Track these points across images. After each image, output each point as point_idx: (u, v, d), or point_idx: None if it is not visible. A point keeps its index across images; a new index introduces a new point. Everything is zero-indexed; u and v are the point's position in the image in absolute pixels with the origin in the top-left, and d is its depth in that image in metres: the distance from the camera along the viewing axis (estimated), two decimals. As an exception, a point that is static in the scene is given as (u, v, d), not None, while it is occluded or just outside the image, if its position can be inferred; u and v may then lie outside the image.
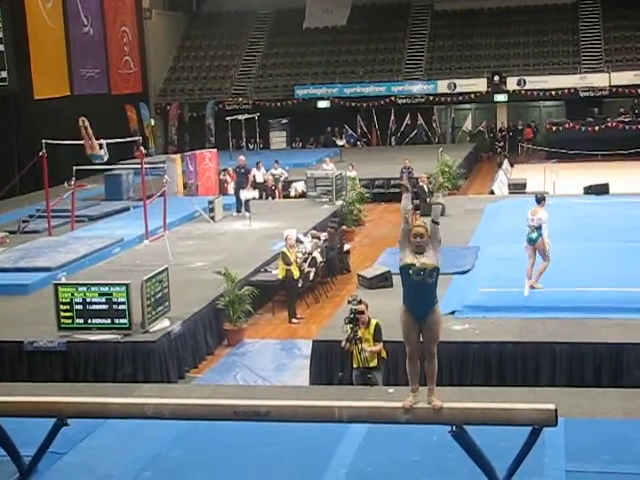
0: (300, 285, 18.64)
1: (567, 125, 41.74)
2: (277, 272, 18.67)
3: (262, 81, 48.28)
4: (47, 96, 35.46)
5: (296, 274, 18.35)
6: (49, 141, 23.95)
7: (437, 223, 7.81)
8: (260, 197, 29.06)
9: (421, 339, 7.83)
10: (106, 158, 21.93)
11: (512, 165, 36.99)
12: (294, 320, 18.03)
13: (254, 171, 30.12)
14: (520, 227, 16.52)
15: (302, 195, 30.37)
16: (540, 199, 15.90)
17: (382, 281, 16.94)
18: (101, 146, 21.74)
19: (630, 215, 22.63)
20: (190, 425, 9.89)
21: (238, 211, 26.32)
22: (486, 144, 45.15)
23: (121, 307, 14.53)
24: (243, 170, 27.20)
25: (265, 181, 30.41)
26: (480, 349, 13.55)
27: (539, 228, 15.46)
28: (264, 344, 17.01)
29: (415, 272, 7.60)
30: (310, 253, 19.77)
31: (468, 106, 47.13)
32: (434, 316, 7.74)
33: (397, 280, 16.98)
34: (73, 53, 38.75)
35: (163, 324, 15.10)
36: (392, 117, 45.90)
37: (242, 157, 28.30)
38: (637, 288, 15.43)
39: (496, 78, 44.49)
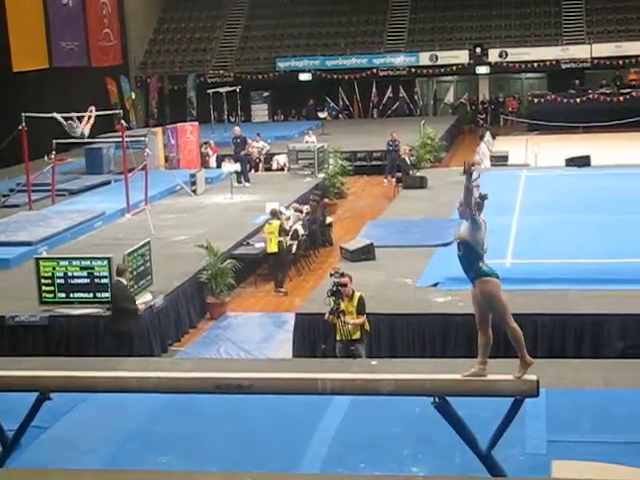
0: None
1: (549, 97, 41.74)
2: (265, 245, 18.60)
3: (243, 53, 48.02)
4: (26, 69, 35.14)
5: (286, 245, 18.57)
6: (29, 114, 23.76)
7: (484, 198, 7.86)
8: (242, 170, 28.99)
9: None
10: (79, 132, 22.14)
11: (494, 137, 37.00)
12: (282, 289, 18.07)
13: (253, 143, 30.22)
14: (502, 199, 16.56)
15: (284, 168, 30.31)
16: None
17: (365, 254, 16.96)
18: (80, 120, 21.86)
19: (611, 187, 22.71)
20: (173, 398, 9.89)
21: (239, 182, 26.30)
22: (468, 116, 45.15)
23: (103, 281, 14.50)
24: (239, 140, 27.22)
25: (248, 154, 30.32)
26: (463, 321, 13.57)
27: None
28: (247, 317, 17.03)
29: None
30: (291, 226, 19.78)
31: (450, 78, 47.04)
32: (477, 290, 7.71)
33: (379, 253, 17.13)
34: (52, 25, 38.36)
35: (145, 298, 15.07)
36: (374, 89, 45.78)
37: (237, 128, 28.47)
38: (618, 259, 15.52)
39: (478, 50, 44.39)
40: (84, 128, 23.02)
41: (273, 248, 18.40)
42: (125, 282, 14.21)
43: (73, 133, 22.78)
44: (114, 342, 14.34)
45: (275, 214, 18.91)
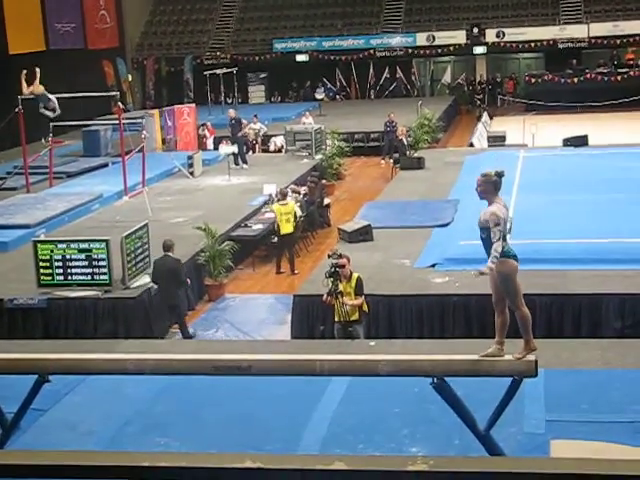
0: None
1: (546, 77, 41.65)
2: (273, 227, 18.49)
3: (240, 35, 47.87)
4: (22, 51, 35.02)
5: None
6: (25, 97, 23.68)
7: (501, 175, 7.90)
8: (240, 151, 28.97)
9: None
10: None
11: (491, 117, 36.97)
12: (296, 271, 18.21)
13: (250, 125, 30.19)
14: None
15: (281, 149, 30.27)
16: None
17: (362, 235, 16.97)
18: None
19: (608, 166, 22.68)
20: (172, 380, 9.92)
21: (236, 164, 26.27)
22: (465, 97, 45.06)
23: (101, 263, 14.51)
24: (234, 121, 27.19)
25: (245, 135, 30.29)
26: (460, 301, 13.61)
27: None
28: (245, 299, 17.05)
29: None
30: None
31: (447, 59, 46.91)
32: (495, 270, 7.61)
33: (377, 234, 17.13)
34: (48, 7, 38.24)
35: (144, 280, 15.07)
36: (371, 70, 45.66)
37: (231, 110, 28.52)
38: (616, 239, 15.51)
39: (475, 30, 44.25)
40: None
41: (289, 229, 18.36)
42: (172, 256, 14.57)
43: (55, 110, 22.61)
44: (112, 324, 14.38)
45: (285, 195, 18.92)
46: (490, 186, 7.81)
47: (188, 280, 15.04)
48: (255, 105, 43.47)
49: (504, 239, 7.65)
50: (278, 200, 18.99)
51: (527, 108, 39.89)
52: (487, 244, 7.65)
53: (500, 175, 7.83)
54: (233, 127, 27.15)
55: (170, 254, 14.61)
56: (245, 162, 26.65)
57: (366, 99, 45.47)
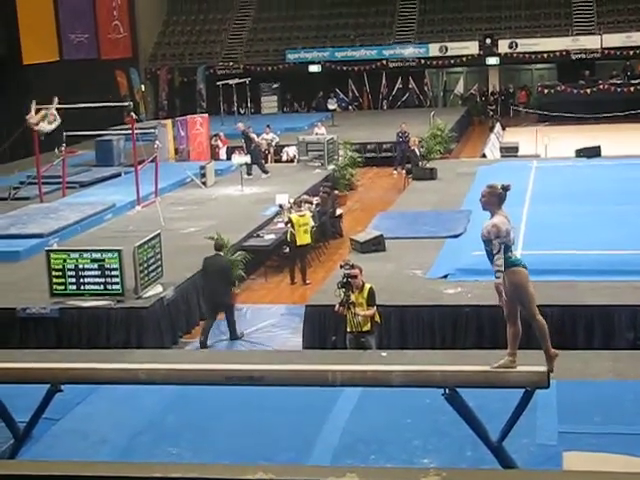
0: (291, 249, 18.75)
1: (559, 88, 41.61)
2: (300, 237, 18.43)
3: (253, 45, 47.99)
4: (36, 61, 35.20)
5: None
6: (39, 107, 23.79)
7: (507, 189, 7.82)
8: (252, 162, 28.99)
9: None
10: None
11: (504, 128, 36.95)
12: (308, 281, 18.25)
13: (263, 135, 30.36)
14: (513, 190, 16.49)
15: (294, 160, 30.30)
16: None
17: (375, 245, 16.96)
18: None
19: (621, 178, 22.63)
20: (184, 390, 9.92)
21: (249, 174, 26.36)
22: (478, 107, 45.04)
23: (114, 273, 14.53)
24: (244, 135, 27.43)
25: (257, 145, 30.33)
26: (472, 312, 13.58)
27: None
28: (257, 309, 17.03)
29: None
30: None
31: (460, 69, 46.94)
32: (506, 280, 7.56)
33: (389, 244, 17.12)
34: (62, 18, 38.46)
35: (156, 290, 15.09)
36: (384, 81, 45.74)
37: (240, 123, 28.74)
38: (628, 251, 15.47)
39: (488, 41, 44.31)
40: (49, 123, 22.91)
41: (307, 240, 18.39)
42: (223, 256, 15.39)
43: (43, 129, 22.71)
44: (124, 334, 14.40)
45: (300, 204, 18.99)
46: (494, 198, 7.78)
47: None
48: (267, 115, 43.55)
49: (509, 250, 7.63)
50: (293, 210, 19.02)
51: (540, 119, 39.85)
52: (491, 257, 7.66)
53: (506, 189, 7.81)
54: (246, 139, 27.31)
55: (221, 254, 15.34)
56: (265, 172, 26.74)
57: (378, 110, 45.56)
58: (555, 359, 7.65)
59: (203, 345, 14.54)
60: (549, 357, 7.64)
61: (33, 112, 23.01)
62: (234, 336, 15.02)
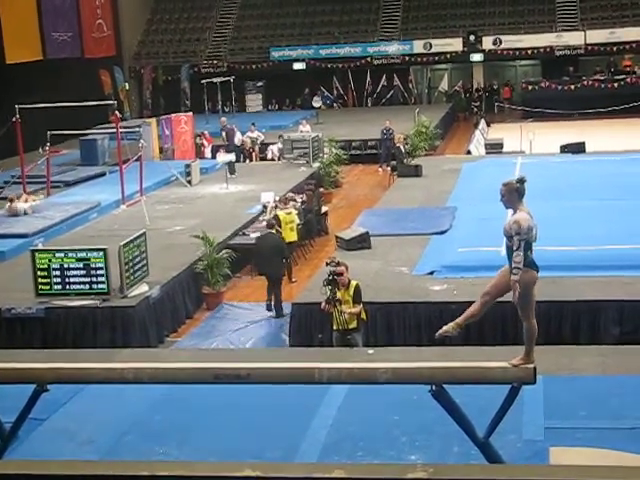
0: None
1: (543, 84, 41.73)
2: (286, 235, 18.39)
3: (237, 43, 47.92)
4: (19, 60, 35.05)
5: None
6: (22, 106, 23.72)
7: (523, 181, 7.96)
8: (237, 160, 28.96)
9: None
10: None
11: (489, 125, 37.00)
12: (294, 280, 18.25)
13: (248, 133, 30.46)
14: (498, 187, 16.51)
15: (279, 158, 30.27)
16: None
17: (360, 242, 16.96)
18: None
19: (606, 173, 22.70)
20: (171, 389, 9.91)
21: (231, 173, 26.25)
22: (462, 104, 45.07)
23: (99, 272, 14.49)
24: (223, 130, 27.46)
25: (242, 144, 30.30)
26: (459, 309, 13.46)
27: None
28: (243, 307, 17.02)
29: None
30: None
31: (444, 66, 46.99)
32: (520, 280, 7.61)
33: (375, 241, 17.12)
34: (45, 17, 38.28)
35: (142, 289, 15.07)
36: (368, 78, 45.74)
37: (223, 118, 28.77)
38: (614, 246, 15.51)
39: (472, 38, 44.33)
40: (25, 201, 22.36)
41: (293, 237, 18.43)
42: (275, 233, 16.47)
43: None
44: (111, 334, 14.37)
45: (286, 202, 19.04)
46: (514, 194, 7.84)
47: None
48: (252, 113, 43.52)
49: (529, 247, 7.67)
50: (279, 208, 19.01)
51: (524, 115, 39.92)
52: (510, 252, 7.69)
53: (522, 181, 7.85)
54: (229, 137, 27.31)
55: (273, 232, 16.33)
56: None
57: (363, 107, 45.55)
58: (531, 364, 7.61)
59: (281, 314, 15.77)
60: (527, 359, 7.64)
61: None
62: (279, 313, 15.87)
